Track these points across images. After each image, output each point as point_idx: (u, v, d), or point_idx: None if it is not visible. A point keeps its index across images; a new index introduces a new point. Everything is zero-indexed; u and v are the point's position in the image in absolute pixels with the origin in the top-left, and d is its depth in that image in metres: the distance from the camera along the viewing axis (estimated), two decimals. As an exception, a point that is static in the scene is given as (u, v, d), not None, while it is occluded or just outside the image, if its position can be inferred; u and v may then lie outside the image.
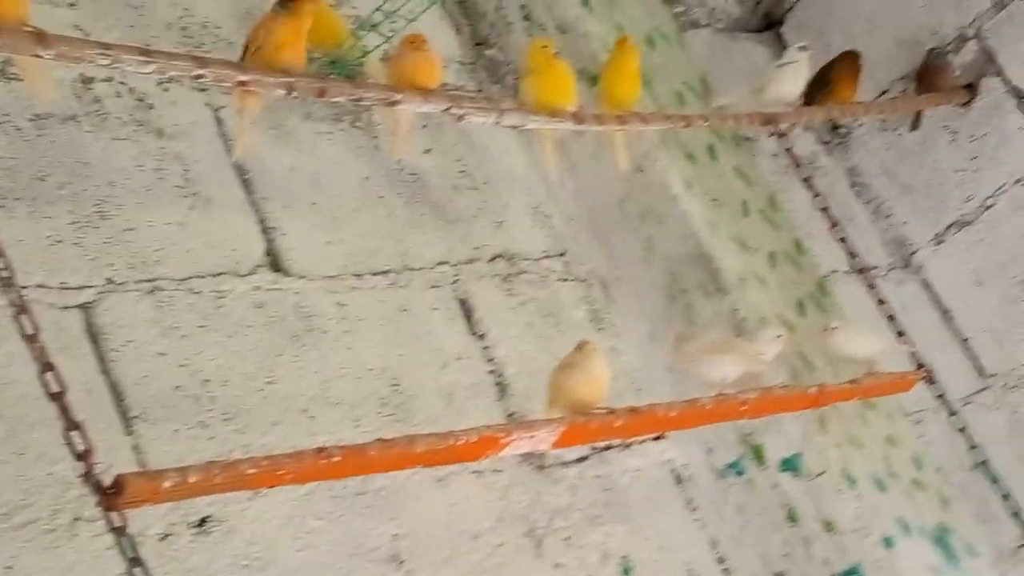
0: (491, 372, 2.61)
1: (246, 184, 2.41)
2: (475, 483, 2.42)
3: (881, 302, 3.04)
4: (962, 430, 3.04)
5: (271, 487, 1.83)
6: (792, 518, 2.69)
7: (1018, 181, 3.24)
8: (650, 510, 2.66)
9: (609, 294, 2.88)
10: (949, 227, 3.36)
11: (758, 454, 2.73)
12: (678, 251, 2.84)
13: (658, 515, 2.67)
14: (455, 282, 2.65)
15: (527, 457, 2.51)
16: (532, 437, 2.09)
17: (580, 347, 2.23)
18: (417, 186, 2.70)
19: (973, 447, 3.11)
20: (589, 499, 2.59)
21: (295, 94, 2.09)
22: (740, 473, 2.74)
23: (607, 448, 2.67)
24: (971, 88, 3.28)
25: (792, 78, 2.95)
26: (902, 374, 2.85)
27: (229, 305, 2.25)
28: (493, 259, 2.75)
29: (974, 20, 3.27)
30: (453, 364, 2.55)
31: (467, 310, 2.64)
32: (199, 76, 1.99)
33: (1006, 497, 3.04)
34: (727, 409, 2.44)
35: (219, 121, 2.41)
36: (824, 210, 3.22)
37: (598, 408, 2.20)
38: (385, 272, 2.53)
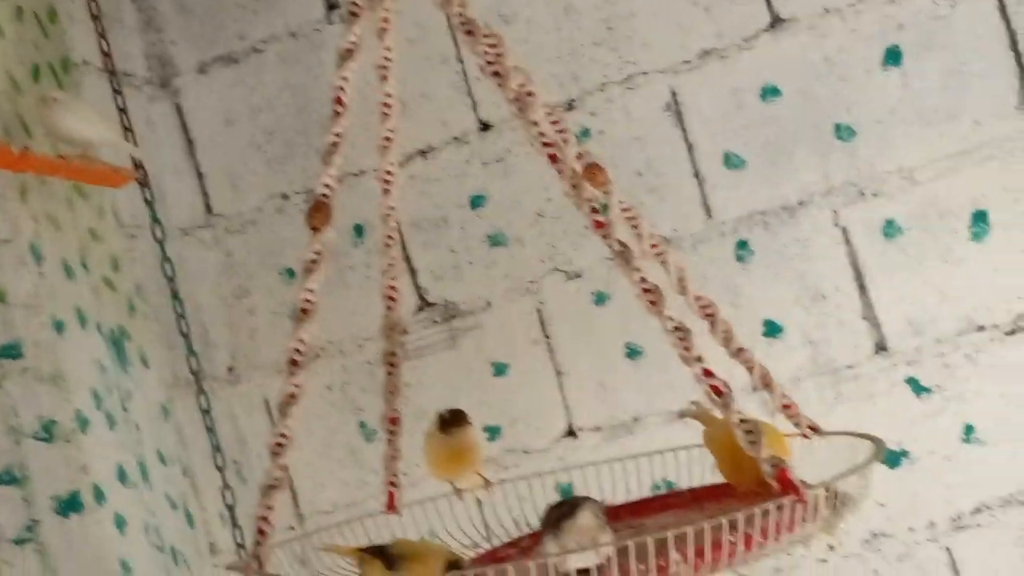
0: None
1: None
2: None
3: (122, 110, 3.00)
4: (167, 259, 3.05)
5: None
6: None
7: (293, 35, 3.29)
8: None
9: None
10: (215, 60, 3.34)
11: None
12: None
13: None
14: None
15: None
16: None
17: None
18: None
19: (173, 281, 3.11)
20: None
21: None
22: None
23: None
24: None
25: None
26: (117, 168, 2.77)
27: None
28: None
29: None
30: None
31: None
32: None
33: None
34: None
35: None
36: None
37: None
38: None
